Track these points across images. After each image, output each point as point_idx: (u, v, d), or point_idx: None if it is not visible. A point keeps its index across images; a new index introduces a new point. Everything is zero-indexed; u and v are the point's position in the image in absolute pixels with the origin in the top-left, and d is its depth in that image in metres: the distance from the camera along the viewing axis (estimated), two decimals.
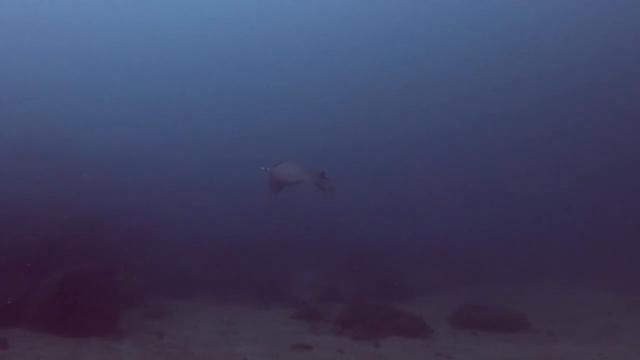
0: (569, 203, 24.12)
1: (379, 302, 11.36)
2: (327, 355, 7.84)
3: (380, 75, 41.11)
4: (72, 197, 13.60)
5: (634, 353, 7.82)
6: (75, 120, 27.16)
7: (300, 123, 38.08)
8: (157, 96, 39.77)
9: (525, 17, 36.86)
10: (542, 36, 36.49)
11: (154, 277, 11.62)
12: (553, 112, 34.77)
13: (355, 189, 24.84)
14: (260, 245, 14.92)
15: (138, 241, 12.50)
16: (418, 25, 40.72)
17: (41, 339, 7.82)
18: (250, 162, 6.99)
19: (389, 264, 14.88)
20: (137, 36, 42.55)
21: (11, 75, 32.68)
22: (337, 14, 42.83)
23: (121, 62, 41.48)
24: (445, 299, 12.65)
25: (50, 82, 34.70)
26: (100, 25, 41.31)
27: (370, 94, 40.06)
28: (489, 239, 18.05)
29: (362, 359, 7.61)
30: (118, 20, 41.95)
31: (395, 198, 25.66)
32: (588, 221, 21.08)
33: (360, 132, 36.51)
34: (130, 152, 23.48)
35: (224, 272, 12.92)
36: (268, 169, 6.77)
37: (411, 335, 8.95)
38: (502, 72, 37.64)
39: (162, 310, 10.09)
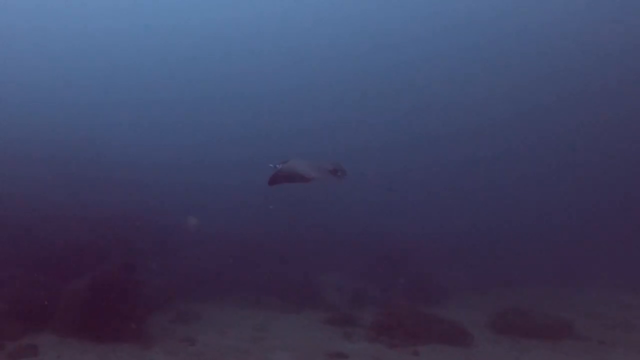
0: (604, 204, 23.43)
1: (411, 305, 11.00)
2: None
3: (393, 77, 40.70)
4: (95, 198, 13.48)
5: None
6: (96, 122, 27.26)
7: (318, 124, 37.85)
8: (177, 99, 39.90)
9: (528, 22, 36.16)
10: (543, 41, 35.82)
11: (178, 279, 11.37)
12: (570, 112, 34.07)
13: (374, 189, 24.44)
14: (283, 246, 14.60)
15: (162, 243, 12.27)
16: (422, 27, 40.20)
17: (70, 346, 7.60)
18: (270, 161, 6.85)
19: (418, 265, 14.46)
20: (155, 40, 42.74)
21: (37, 80, 33.10)
22: (338, 15, 42.45)
23: (141, 66, 41.70)
24: (479, 302, 12.18)
25: (74, 86, 35.06)
26: (117, 29, 41.56)
27: (384, 96, 39.77)
28: (519, 239, 17.46)
29: None
30: (133, 24, 42.16)
31: (419, 198, 25.16)
32: (625, 222, 20.38)
33: (377, 133, 36.12)
34: (151, 154, 23.39)
35: (248, 274, 12.57)
36: (278, 165, 6.68)
37: (451, 342, 8.52)
38: (508, 76, 37.07)
39: (188, 314, 9.80)
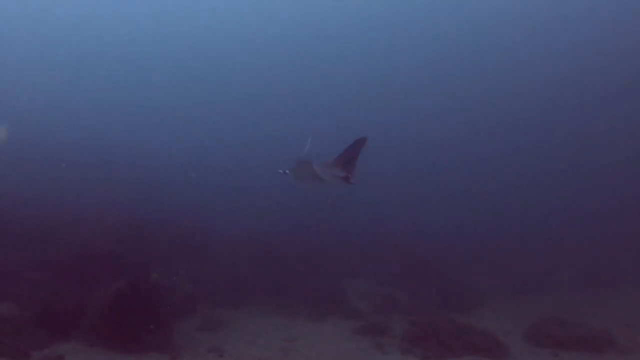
0: (622, 204, 22.80)
1: (442, 313, 10.71)
2: None
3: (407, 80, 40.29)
4: (120, 202, 13.38)
5: None
6: (118, 126, 27.31)
7: (330, 126, 37.56)
8: (200, 102, 39.98)
9: (538, 26, 35.55)
10: (545, 44, 35.22)
11: (203, 284, 11.17)
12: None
13: (398, 190, 24.07)
14: (307, 250, 14.35)
15: (186, 247, 12.09)
16: (424, 29, 39.70)
17: (98, 355, 7.43)
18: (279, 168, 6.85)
19: (446, 269, 14.14)
20: (177, 45, 42.86)
21: (61, 85, 33.33)
22: (343, 16, 42.05)
23: (163, 71, 41.82)
24: (510, 310, 11.77)
25: (96, 90, 35.29)
26: (128, 33, 41.71)
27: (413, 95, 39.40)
28: (550, 241, 16.96)
29: None
30: (143, 30, 42.26)
31: (441, 198, 24.74)
32: None
33: (401, 132, 35.78)
34: (175, 157, 23.31)
35: (273, 279, 12.32)
36: (287, 171, 6.70)
37: (486, 354, 8.19)
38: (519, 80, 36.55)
39: (215, 321, 9.59)
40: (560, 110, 34.37)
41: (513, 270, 15.31)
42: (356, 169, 7.15)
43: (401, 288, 12.54)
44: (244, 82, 43.01)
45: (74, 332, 8.18)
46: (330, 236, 15.80)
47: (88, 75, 38.06)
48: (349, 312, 10.72)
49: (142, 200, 14.61)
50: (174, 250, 11.41)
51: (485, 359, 8.06)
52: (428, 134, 35.36)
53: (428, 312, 10.67)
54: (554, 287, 13.72)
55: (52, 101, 31.18)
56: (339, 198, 18.56)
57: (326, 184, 7.02)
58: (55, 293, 8.56)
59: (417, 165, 29.51)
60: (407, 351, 8.34)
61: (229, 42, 43.63)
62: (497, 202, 23.57)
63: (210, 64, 43.44)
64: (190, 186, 18.54)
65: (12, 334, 7.75)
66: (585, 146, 31.48)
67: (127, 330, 7.89)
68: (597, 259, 15.86)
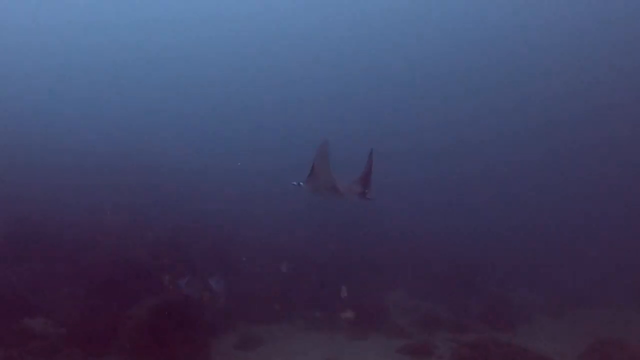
0: None
1: (488, 331, 10.18)
2: None
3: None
4: (150, 209, 13.16)
5: None
6: (144, 131, 27.35)
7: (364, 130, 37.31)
8: (228, 107, 40.26)
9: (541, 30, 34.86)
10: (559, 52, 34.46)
11: (236, 298, 10.80)
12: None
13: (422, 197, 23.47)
14: (341, 260, 13.87)
15: (217, 258, 11.74)
16: (431, 31, 39.24)
17: None
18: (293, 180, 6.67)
19: (485, 281, 13.55)
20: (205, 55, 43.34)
21: (93, 94, 33.79)
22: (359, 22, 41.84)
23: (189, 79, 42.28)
24: (560, 328, 11.14)
25: (131, 98, 35.76)
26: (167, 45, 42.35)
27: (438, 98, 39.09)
28: (594, 252, 16.18)
29: None
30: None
31: (475, 202, 24.07)
32: None
33: (431, 136, 35.32)
34: (204, 163, 23.14)
35: (308, 292, 11.86)
36: (302, 183, 6.52)
37: None
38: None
39: (252, 338, 9.20)
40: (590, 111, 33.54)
41: (553, 282, 14.65)
42: (372, 183, 6.91)
43: (441, 301, 12.03)
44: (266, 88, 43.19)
45: (109, 350, 7.90)
46: (358, 247, 15.30)
47: (119, 83, 38.64)
48: (391, 329, 10.20)
49: (163, 205, 14.35)
50: (205, 262, 11.07)
51: None
52: (449, 139, 34.81)
53: (473, 330, 10.13)
54: (602, 302, 13.02)
55: (82, 109, 31.60)
56: (362, 207, 18.08)
57: (342, 198, 6.77)
58: (90, 309, 8.28)
59: (440, 171, 28.91)
60: None
61: (245, 49, 43.99)
62: (534, 210, 22.77)
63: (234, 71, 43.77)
64: (214, 194, 18.26)
65: (46, 351, 7.51)
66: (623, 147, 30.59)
67: (163, 349, 7.56)
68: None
